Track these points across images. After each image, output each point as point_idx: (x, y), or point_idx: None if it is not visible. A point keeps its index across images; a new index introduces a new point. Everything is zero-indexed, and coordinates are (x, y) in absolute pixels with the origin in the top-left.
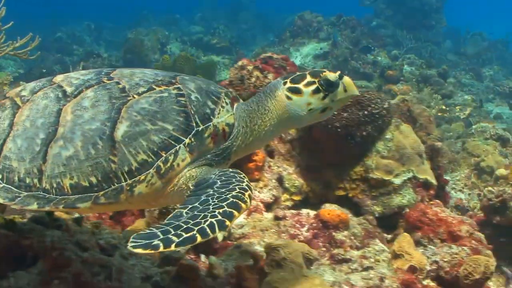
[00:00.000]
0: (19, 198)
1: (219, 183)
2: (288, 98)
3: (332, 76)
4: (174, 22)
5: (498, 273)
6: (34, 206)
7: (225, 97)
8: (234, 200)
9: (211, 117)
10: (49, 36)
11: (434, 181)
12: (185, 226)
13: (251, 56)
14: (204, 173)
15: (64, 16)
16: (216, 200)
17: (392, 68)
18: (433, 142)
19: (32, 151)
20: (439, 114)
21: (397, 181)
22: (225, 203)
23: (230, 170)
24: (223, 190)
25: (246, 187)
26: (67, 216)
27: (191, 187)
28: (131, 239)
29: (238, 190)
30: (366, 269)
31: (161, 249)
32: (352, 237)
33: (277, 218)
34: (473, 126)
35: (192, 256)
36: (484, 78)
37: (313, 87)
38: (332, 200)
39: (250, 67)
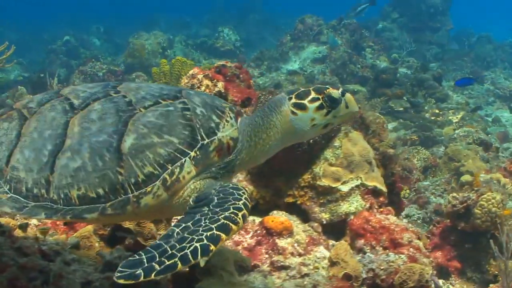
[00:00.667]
0: (26, 208)
1: (216, 200)
2: (293, 113)
3: (335, 93)
4: (185, 25)
5: (465, 279)
6: (42, 216)
7: (230, 112)
8: (225, 222)
9: (216, 131)
10: (58, 39)
11: (384, 188)
12: (170, 252)
13: (251, 60)
14: (206, 186)
15: (76, 19)
16: (208, 221)
17: (386, 72)
18: (386, 149)
19: (40, 162)
20: (432, 118)
21: (345, 188)
22: (215, 225)
23: (231, 185)
24: (217, 209)
25: (242, 206)
26: (14, 222)
27: (191, 202)
28: (118, 269)
29: (231, 210)
30: (303, 276)
31: (142, 278)
32: (296, 244)
33: None
34: (456, 131)
35: None
36: (486, 81)
37: (318, 103)
38: (282, 207)
39: (200, 76)
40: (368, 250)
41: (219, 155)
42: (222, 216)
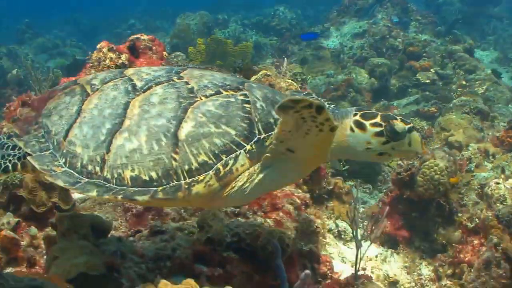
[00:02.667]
0: (79, 184)
1: None
2: (351, 129)
3: (400, 126)
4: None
5: (413, 249)
6: (94, 194)
7: None
8: None
9: (274, 126)
10: (122, 23)
11: None
12: None
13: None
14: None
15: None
16: None
17: (414, 45)
18: None
19: (97, 139)
20: (459, 89)
21: None
22: None
23: None
24: None
25: None
26: None
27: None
28: None
29: None
30: (168, 240)
31: None
32: (182, 210)
33: None
34: (454, 101)
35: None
36: None
37: (378, 129)
38: None
39: (105, 49)
40: (251, 215)
41: None
42: None
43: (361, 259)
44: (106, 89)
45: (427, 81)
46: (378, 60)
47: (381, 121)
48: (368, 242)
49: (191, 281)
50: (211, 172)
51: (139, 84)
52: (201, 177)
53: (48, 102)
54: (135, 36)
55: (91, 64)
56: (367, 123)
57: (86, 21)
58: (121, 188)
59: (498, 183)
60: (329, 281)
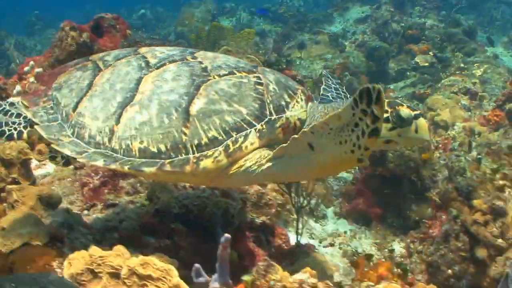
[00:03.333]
0: (86, 153)
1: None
2: None
3: (405, 112)
4: None
5: (386, 226)
6: (100, 163)
7: (301, 94)
8: None
9: (285, 109)
10: (133, 12)
11: None
12: None
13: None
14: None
15: None
16: None
17: (413, 28)
18: None
19: (107, 111)
20: (457, 72)
21: None
22: None
23: None
24: None
25: None
26: None
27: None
28: None
29: None
30: (119, 213)
31: None
32: (138, 184)
33: (75, 168)
34: (442, 81)
35: None
36: None
37: (384, 115)
38: None
39: (67, 28)
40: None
41: (284, 133)
42: None
43: (303, 227)
44: (119, 64)
45: (426, 64)
46: (376, 43)
47: (387, 107)
48: (342, 219)
49: (121, 247)
50: (220, 148)
51: (152, 61)
52: (210, 152)
53: (58, 77)
54: (99, 15)
55: (55, 44)
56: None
57: (98, 10)
58: (128, 159)
59: (458, 156)
60: (274, 250)
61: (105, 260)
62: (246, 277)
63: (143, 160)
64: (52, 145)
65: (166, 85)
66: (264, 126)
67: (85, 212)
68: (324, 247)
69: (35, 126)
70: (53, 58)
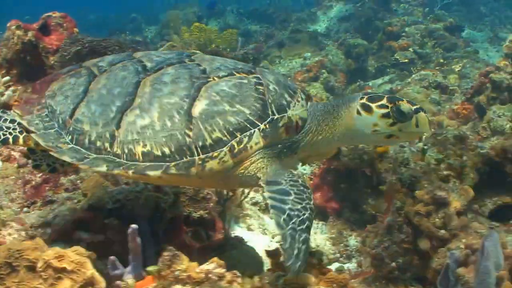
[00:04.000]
0: (87, 159)
1: (293, 195)
2: (358, 112)
3: (406, 107)
4: None
5: (342, 220)
6: (103, 168)
7: (301, 93)
8: (309, 224)
9: (287, 108)
10: (124, 17)
11: None
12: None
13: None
14: (274, 171)
15: None
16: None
17: (392, 25)
18: None
19: (106, 117)
20: (436, 68)
21: None
22: (304, 225)
23: (300, 181)
24: (299, 207)
25: (313, 206)
26: None
27: (261, 182)
28: None
29: (309, 211)
30: (55, 209)
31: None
32: (78, 181)
33: (20, 166)
34: (413, 75)
35: None
36: None
37: (384, 111)
38: None
39: (13, 27)
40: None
41: (287, 132)
42: (305, 216)
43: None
44: (114, 69)
45: (405, 60)
46: (355, 41)
47: (387, 102)
48: None
49: (39, 240)
50: (225, 149)
51: (149, 65)
52: (215, 153)
53: (51, 84)
54: (47, 14)
55: (3, 43)
56: (373, 105)
57: (93, 16)
58: (132, 163)
59: (403, 147)
60: (206, 243)
61: (22, 254)
62: (151, 268)
63: (147, 163)
64: (51, 153)
65: (165, 88)
66: (267, 126)
67: (25, 209)
68: (277, 242)
69: (32, 134)
70: (1, 58)
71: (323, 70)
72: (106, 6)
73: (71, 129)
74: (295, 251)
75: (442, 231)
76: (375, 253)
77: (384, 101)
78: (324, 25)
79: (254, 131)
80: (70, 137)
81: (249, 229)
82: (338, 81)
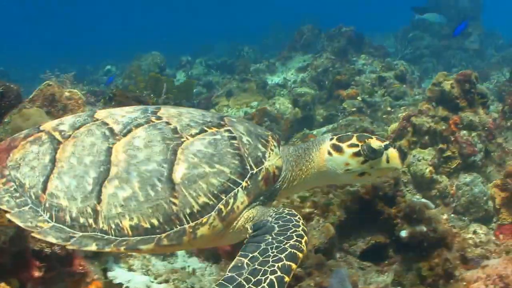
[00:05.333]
0: (74, 239)
1: (277, 229)
2: (329, 153)
3: (376, 144)
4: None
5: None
6: (93, 247)
7: (273, 140)
8: (292, 251)
9: (263, 160)
10: (99, 69)
11: None
12: (247, 286)
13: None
14: (260, 214)
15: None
16: (275, 251)
17: (342, 73)
18: None
19: (84, 190)
20: (384, 116)
21: None
22: (283, 254)
23: (286, 211)
24: (281, 238)
25: (303, 233)
26: None
27: (249, 230)
28: None
29: (295, 238)
30: None
31: None
32: None
33: None
34: (340, 121)
35: None
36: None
37: (355, 149)
38: None
39: None
40: None
41: (266, 184)
42: (288, 245)
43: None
44: (80, 135)
45: (353, 109)
46: (301, 89)
47: (357, 141)
48: (194, 257)
49: None
50: (213, 213)
51: (116, 127)
52: (205, 219)
53: (12, 153)
54: None
55: None
56: (343, 145)
57: (74, 68)
58: (122, 239)
59: None
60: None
61: None
62: None
63: (138, 238)
64: (33, 234)
65: (140, 154)
66: (248, 182)
67: None
68: (158, 283)
69: (7, 215)
70: None
71: (265, 119)
72: (83, 59)
73: (47, 205)
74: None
75: (298, 269)
76: None
77: (353, 140)
78: (283, 76)
79: (238, 190)
80: (48, 214)
81: (130, 269)
82: (281, 129)
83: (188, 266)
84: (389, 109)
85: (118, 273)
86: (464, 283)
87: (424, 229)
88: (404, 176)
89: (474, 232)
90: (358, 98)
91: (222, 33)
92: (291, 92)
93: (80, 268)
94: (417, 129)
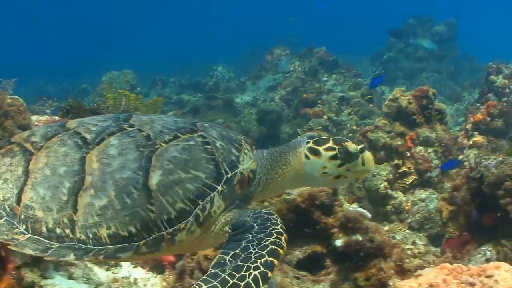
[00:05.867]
0: (51, 250)
1: (256, 227)
2: (307, 157)
3: (352, 147)
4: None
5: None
6: (71, 258)
7: (246, 144)
8: (274, 247)
9: (237, 164)
10: (75, 87)
11: None
12: (231, 282)
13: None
14: (237, 215)
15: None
16: (257, 248)
17: (308, 92)
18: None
19: (59, 200)
20: (350, 134)
21: None
22: (265, 251)
23: (263, 211)
24: (261, 235)
25: (281, 230)
26: None
27: (229, 230)
28: None
29: (275, 235)
30: None
31: None
32: None
33: None
34: (298, 136)
35: None
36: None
37: (332, 153)
38: None
39: None
40: None
41: (242, 188)
42: (269, 242)
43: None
44: (52, 145)
45: (319, 127)
46: (267, 107)
47: (334, 144)
48: (139, 267)
49: None
50: (191, 219)
51: (89, 136)
52: (182, 225)
53: None
54: None
55: None
56: (320, 148)
57: (52, 88)
58: (100, 248)
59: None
60: None
61: None
62: None
63: (116, 246)
64: (9, 247)
65: (114, 162)
66: (224, 187)
67: None
68: None
69: None
70: None
71: None
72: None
73: (22, 217)
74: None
75: None
76: None
77: (330, 144)
78: (252, 94)
79: (214, 194)
80: (24, 226)
81: (70, 277)
82: None
83: (130, 275)
84: (355, 127)
85: (57, 281)
86: None
87: (360, 238)
88: (359, 191)
89: (413, 243)
90: (324, 116)
91: (199, 53)
92: (258, 110)
93: (14, 273)
94: (372, 144)
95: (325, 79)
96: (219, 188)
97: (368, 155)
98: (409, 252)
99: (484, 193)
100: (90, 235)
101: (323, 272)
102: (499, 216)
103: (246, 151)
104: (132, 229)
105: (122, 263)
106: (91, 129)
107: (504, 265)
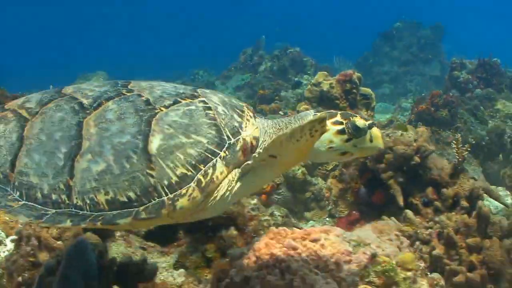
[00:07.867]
0: (47, 216)
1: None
2: None
3: (361, 122)
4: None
5: None
6: (68, 224)
7: (248, 111)
8: None
9: (240, 130)
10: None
11: None
12: None
13: None
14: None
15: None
16: None
17: (265, 88)
18: None
19: (55, 166)
20: None
21: None
22: None
23: None
24: None
25: None
26: None
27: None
28: None
29: None
30: None
31: None
32: None
33: None
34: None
35: None
36: None
37: (340, 127)
38: None
39: None
40: None
41: (244, 155)
42: None
43: None
44: (48, 111)
45: None
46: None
47: (341, 119)
48: None
49: None
50: (193, 184)
51: (86, 101)
52: (184, 190)
53: None
54: None
55: None
56: (328, 122)
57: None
58: (98, 214)
59: None
60: None
61: None
62: None
63: (114, 212)
64: (3, 214)
65: (113, 127)
66: (227, 152)
67: None
68: None
69: None
70: None
71: None
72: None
73: (16, 183)
74: None
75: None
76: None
77: (338, 118)
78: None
79: (217, 160)
80: (18, 193)
81: None
82: None
83: None
84: None
85: None
86: (227, 259)
87: None
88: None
89: (271, 215)
90: (280, 112)
91: (184, 57)
92: None
93: None
94: None
95: (296, 78)
96: (222, 153)
97: (376, 131)
98: (265, 223)
99: (370, 169)
100: (88, 201)
101: (175, 244)
102: (387, 193)
103: (248, 118)
104: (131, 195)
105: None
106: (88, 94)
107: (336, 230)
